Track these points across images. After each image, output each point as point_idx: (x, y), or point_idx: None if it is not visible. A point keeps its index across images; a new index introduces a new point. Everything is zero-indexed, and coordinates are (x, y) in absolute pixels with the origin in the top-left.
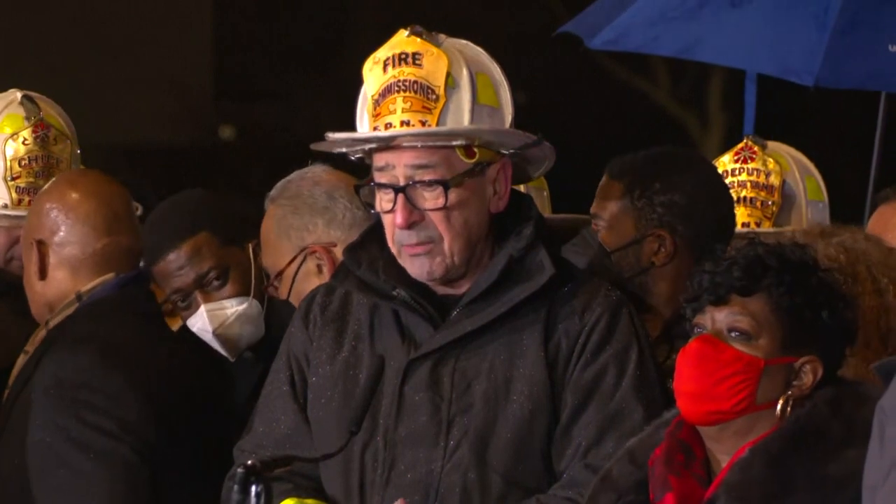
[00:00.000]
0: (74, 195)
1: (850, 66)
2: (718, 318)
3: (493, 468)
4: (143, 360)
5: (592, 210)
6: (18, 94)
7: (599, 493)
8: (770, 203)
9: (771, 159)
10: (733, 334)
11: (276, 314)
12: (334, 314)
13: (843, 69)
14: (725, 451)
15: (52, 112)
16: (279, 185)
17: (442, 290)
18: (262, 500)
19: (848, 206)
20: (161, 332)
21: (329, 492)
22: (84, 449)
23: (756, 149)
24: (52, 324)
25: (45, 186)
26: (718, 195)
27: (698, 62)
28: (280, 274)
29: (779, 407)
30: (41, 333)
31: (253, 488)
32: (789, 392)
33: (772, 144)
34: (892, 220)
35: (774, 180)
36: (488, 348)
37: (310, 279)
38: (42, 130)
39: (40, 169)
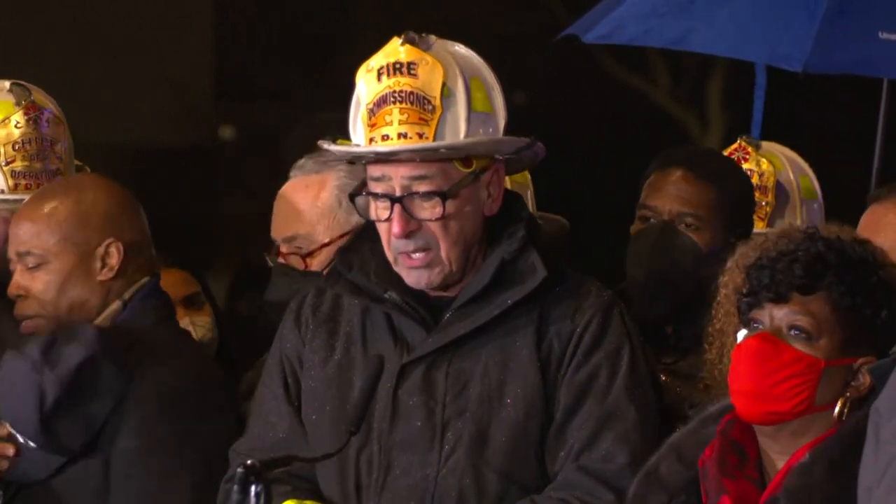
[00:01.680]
0: (133, 202)
1: (840, 52)
2: (778, 315)
3: (488, 472)
4: (220, 371)
5: (679, 208)
6: (7, 83)
7: (647, 493)
8: (764, 203)
9: (765, 159)
10: (793, 333)
11: (290, 285)
12: (325, 316)
13: (832, 55)
14: (780, 450)
15: (44, 98)
16: (323, 157)
17: (434, 292)
18: (262, 501)
19: (851, 205)
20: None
21: (326, 494)
22: (178, 458)
23: (750, 149)
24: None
25: (98, 184)
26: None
27: (697, 62)
28: (327, 245)
29: (837, 409)
30: None
31: (252, 488)
32: (847, 394)
33: (765, 144)
34: (883, 219)
35: (768, 180)
36: (481, 351)
37: None
38: (34, 112)
39: (35, 151)
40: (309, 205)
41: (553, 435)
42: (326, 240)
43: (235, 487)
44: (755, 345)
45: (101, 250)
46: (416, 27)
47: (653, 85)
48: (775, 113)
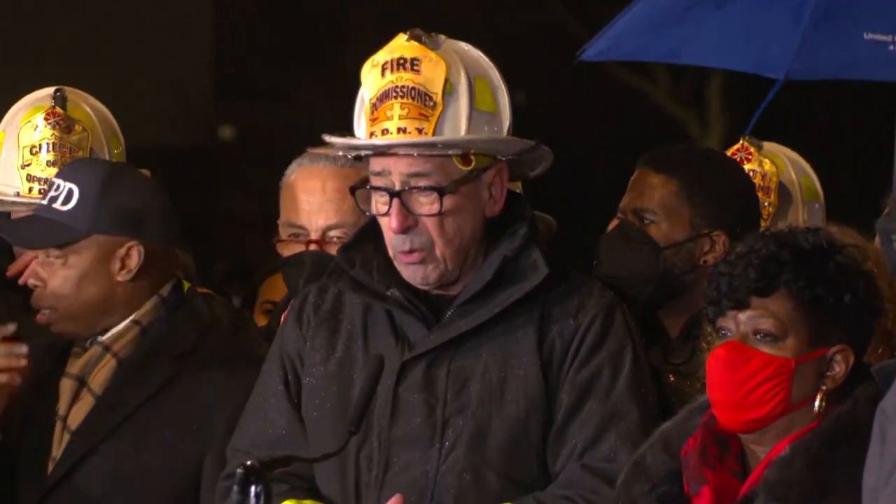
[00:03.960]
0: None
1: (825, 56)
2: (742, 320)
3: (488, 469)
4: None
5: (637, 204)
6: (52, 90)
7: (633, 481)
8: (766, 204)
9: (767, 160)
10: (759, 337)
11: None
12: (327, 314)
13: (816, 60)
14: (764, 449)
15: (82, 104)
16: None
17: (436, 290)
18: (262, 501)
19: (867, 207)
20: None
21: (326, 493)
22: None
23: (752, 150)
24: (144, 322)
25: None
26: (756, 197)
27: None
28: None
29: (816, 404)
30: (133, 332)
31: (252, 489)
32: (823, 387)
33: (767, 145)
34: None
35: (771, 181)
36: (482, 349)
37: None
38: (54, 118)
39: (53, 158)
40: (335, 193)
41: (555, 434)
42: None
43: (235, 488)
44: (724, 354)
45: (121, 252)
46: (416, 27)
47: (653, 85)
48: (790, 114)
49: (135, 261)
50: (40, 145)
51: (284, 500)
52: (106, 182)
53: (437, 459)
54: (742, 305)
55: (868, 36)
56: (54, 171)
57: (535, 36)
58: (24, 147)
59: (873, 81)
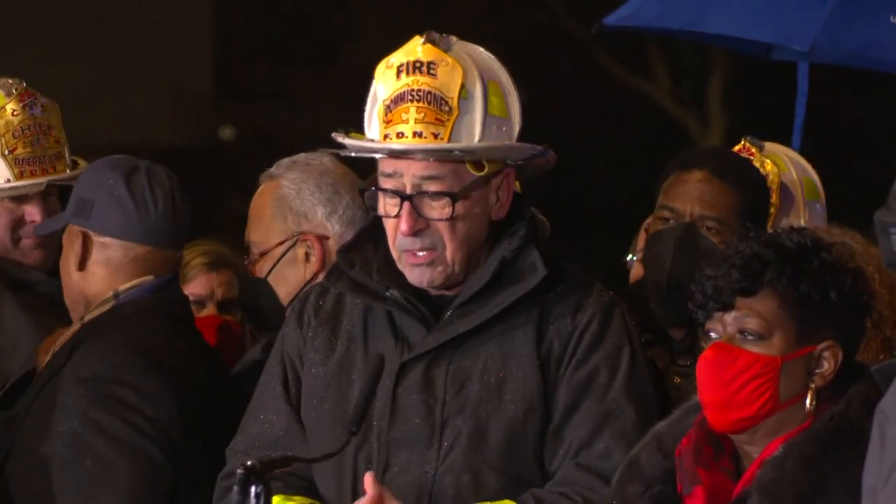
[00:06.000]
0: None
1: (849, 36)
2: (728, 322)
3: (486, 469)
4: (178, 364)
5: (702, 210)
6: (5, 79)
7: (627, 482)
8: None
9: (769, 161)
10: (745, 336)
11: (250, 290)
12: (328, 315)
13: (841, 39)
14: (756, 449)
15: (33, 91)
16: (283, 163)
17: (435, 291)
18: (262, 501)
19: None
20: (192, 337)
21: (323, 493)
22: (114, 442)
23: (754, 150)
24: (86, 318)
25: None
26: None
27: (697, 62)
28: (266, 253)
29: (807, 402)
30: (75, 327)
31: (252, 489)
32: (812, 385)
33: (769, 145)
34: None
35: (773, 182)
36: (481, 349)
37: (295, 265)
38: (29, 98)
39: (34, 137)
40: (258, 212)
41: (552, 434)
42: (266, 247)
43: (235, 488)
44: (711, 356)
45: (78, 238)
46: (416, 27)
47: (653, 85)
48: (791, 114)
49: (79, 248)
50: (21, 128)
51: (273, 496)
52: (84, 172)
53: (435, 460)
54: (727, 307)
55: (895, 20)
56: (38, 150)
57: (535, 36)
58: (3, 133)
59: (877, 80)
